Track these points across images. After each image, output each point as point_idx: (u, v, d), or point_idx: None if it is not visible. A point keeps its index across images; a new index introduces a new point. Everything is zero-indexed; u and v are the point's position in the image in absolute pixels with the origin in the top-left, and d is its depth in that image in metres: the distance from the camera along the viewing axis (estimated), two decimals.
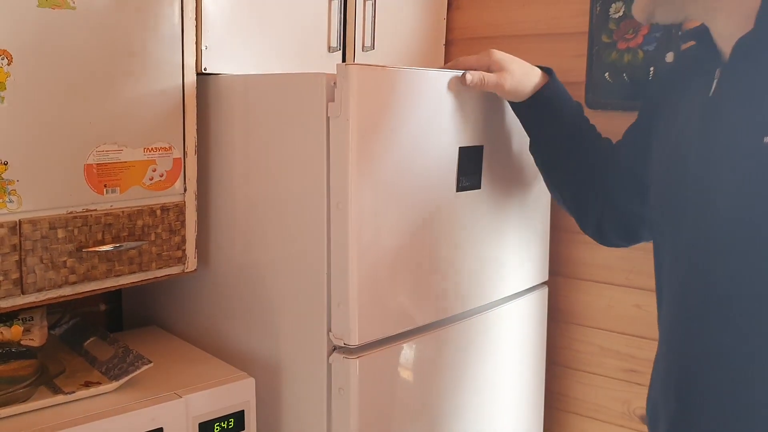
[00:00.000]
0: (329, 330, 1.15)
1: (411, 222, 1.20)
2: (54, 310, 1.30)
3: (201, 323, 1.39)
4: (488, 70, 1.23)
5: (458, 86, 1.24)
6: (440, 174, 1.25)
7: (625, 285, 1.57)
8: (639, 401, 1.58)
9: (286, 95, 1.19)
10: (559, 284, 1.66)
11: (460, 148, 1.27)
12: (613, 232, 1.26)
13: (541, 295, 1.58)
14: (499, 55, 1.24)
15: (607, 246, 1.32)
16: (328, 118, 1.10)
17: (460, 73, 1.23)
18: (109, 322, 1.56)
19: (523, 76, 1.24)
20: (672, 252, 1.00)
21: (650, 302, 1.55)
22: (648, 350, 1.55)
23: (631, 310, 1.57)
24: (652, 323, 1.53)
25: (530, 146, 1.31)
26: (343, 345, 1.14)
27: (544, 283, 1.59)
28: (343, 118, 1.08)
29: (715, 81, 0.92)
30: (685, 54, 1.13)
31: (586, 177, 1.26)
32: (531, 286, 1.54)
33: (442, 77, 1.22)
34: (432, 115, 1.21)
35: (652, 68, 1.47)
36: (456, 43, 1.79)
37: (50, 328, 1.27)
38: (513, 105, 1.28)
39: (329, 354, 1.15)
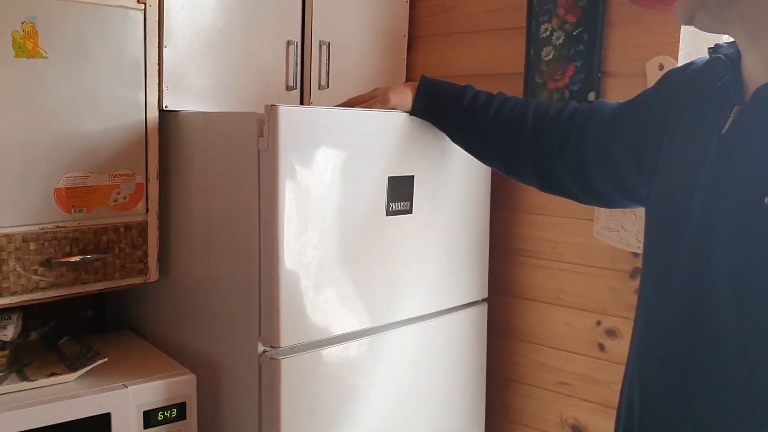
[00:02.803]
0: (260, 334, 1.32)
1: (337, 242, 1.37)
2: (38, 313, 1.51)
3: (163, 327, 1.58)
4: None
5: (381, 123, 1.42)
6: (369, 200, 1.42)
7: (556, 303, 1.71)
8: (570, 411, 1.71)
9: (229, 130, 1.38)
10: (499, 302, 1.80)
11: (389, 177, 1.44)
12: (567, 184, 1.25)
13: (480, 311, 1.73)
14: (381, 87, 1.48)
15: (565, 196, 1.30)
16: (258, 151, 1.29)
17: (379, 112, 1.42)
18: (95, 327, 1.76)
19: (402, 87, 1.47)
20: (659, 283, 0.93)
21: (577, 319, 1.69)
22: (574, 364, 1.68)
23: (561, 326, 1.70)
24: (579, 338, 1.67)
25: (451, 138, 1.47)
26: (270, 348, 1.31)
27: (483, 300, 1.73)
28: (270, 151, 1.27)
29: (731, 118, 0.85)
30: (714, 66, 0.96)
31: (507, 146, 1.34)
32: (468, 302, 1.69)
33: (360, 115, 1.40)
34: (358, 149, 1.38)
35: None
36: None
37: (35, 329, 1.48)
38: (414, 112, 1.45)
39: (260, 355, 1.33)
